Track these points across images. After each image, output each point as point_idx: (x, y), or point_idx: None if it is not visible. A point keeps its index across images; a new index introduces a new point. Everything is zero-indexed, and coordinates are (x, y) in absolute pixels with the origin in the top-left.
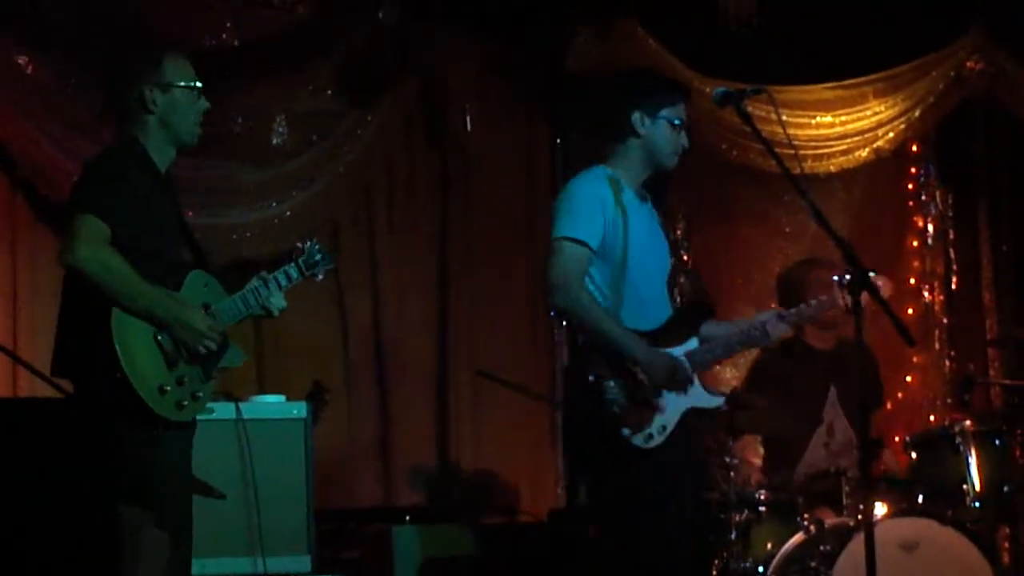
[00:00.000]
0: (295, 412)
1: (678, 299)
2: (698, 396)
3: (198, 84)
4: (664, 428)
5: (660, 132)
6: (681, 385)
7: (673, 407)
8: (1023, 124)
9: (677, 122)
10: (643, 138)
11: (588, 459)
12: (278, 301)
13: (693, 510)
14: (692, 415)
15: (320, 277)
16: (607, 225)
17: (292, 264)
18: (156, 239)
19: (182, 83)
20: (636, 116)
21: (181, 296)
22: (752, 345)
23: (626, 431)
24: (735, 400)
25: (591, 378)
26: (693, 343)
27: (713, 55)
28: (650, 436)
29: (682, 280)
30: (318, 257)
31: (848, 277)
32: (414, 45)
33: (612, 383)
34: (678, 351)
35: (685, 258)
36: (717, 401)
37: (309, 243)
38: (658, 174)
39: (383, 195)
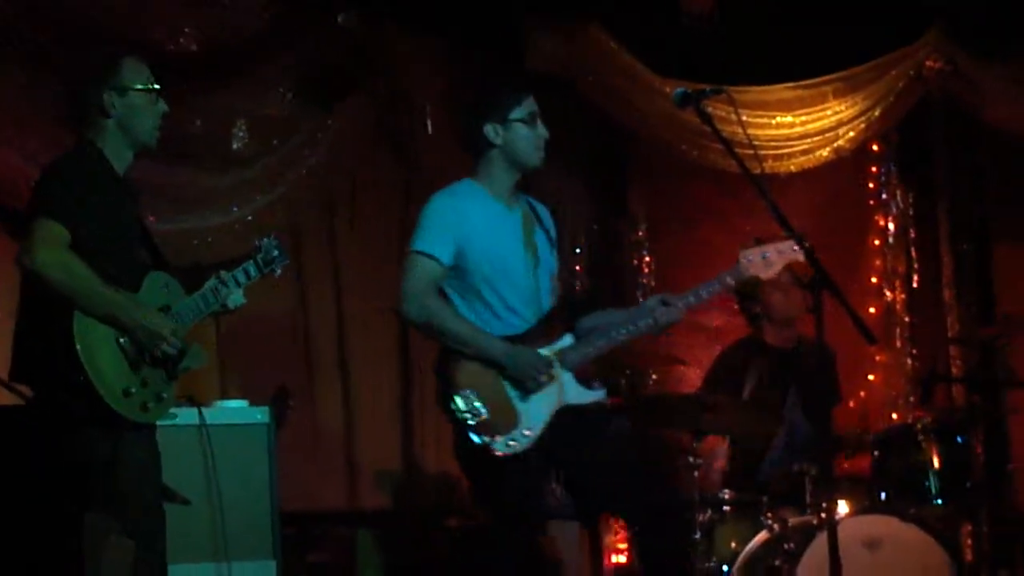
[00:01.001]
0: (258, 417)
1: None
2: (573, 392)
3: (156, 87)
4: (529, 432)
5: (516, 136)
6: (541, 383)
7: (539, 409)
8: (982, 123)
9: (529, 118)
10: (501, 147)
11: (464, 467)
12: (237, 298)
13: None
14: (570, 413)
15: (278, 272)
16: (463, 238)
17: (250, 261)
18: (115, 242)
19: (139, 86)
20: (488, 129)
21: (140, 298)
22: (642, 334)
23: (484, 439)
24: (700, 401)
25: (444, 391)
26: (567, 341)
27: (673, 55)
28: (512, 443)
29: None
30: (275, 253)
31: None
32: (374, 48)
33: (468, 393)
34: (548, 350)
35: (647, 259)
36: (595, 396)
37: (266, 240)
38: (527, 174)
39: (345, 199)
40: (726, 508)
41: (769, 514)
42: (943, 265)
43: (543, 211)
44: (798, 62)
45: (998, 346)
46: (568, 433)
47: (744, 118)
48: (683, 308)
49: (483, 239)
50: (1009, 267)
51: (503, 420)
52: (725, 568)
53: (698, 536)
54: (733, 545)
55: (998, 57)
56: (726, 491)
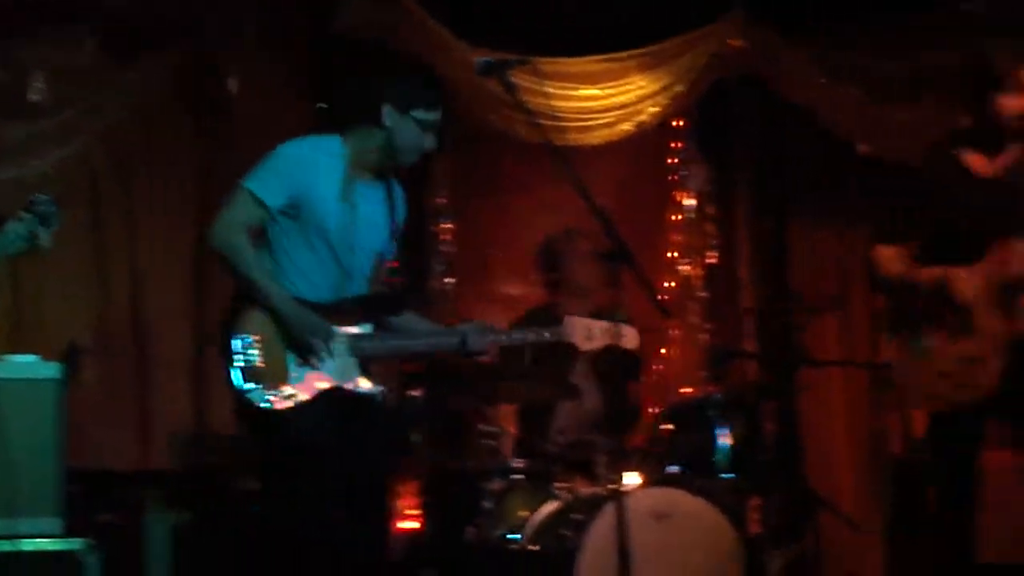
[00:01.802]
0: (48, 372)
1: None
2: (348, 378)
3: None
4: (290, 397)
5: (406, 129)
6: (316, 348)
7: (311, 378)
8: (783, 102)
9: (427, 125)
10: (388, 131)
11: (235, 411)
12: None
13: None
14: (341, 397)
15: (50, 230)
16: (301, 190)
17: (27, 215)
18: None
19: None
20: (387, 109)
21: None
22: (445, 351)
23: (246, 385)
24: (491, 369)
25: (225, 330)
26: (365, 328)
27: (480, 24)
28: (271, 398)
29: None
30: (51, 209)
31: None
32: (180, 5)
33: (247, 338)
34: (345, 330)
35: (449, 226)
36: (371, 389)
37: (39, 196)
38: (391, 166)
39: (144, 158)
40: (517, 477)
41: (559, 484)
42: (740, 242)
43: (399, 198)
44: (604, 35)
45: (791, 323)
46: (331, 414)
47: (549, 89)
48: (495, 343)
49: (323, 201)
50: (804, 246)
51: (271, 374)
52: (514, 537)
53: (488, 505)
54: (523, 514)
55: (798, 38)
56: (517, 460)
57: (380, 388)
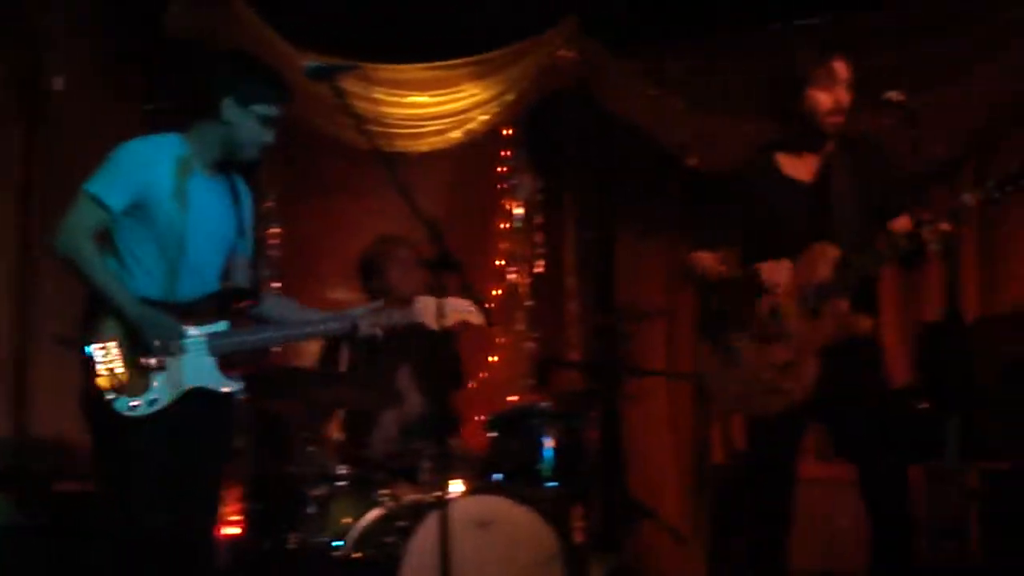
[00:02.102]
0: None
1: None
2: (209, 377)
3: None
4: (154, 402)
5: (247, 124)
6: (166, 350)
7: (171, 382)
8: (611, 114)
9: (267, 118)
10: (228, 125)
11: (85, 416)
12: None
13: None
14: (203, 397)
15: None
16: (144, 189)
17: None
18: None
19: None
20: (227, 102)
21: None
22: (330, 335)
23: (109, 394)
24: (312, 374)
25: (84, 337)
26: (220, 326)
27: (312, 30)
28: (135, 405)
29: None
30: None
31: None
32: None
33: (108, 344)
34: (201, 330)
35: (277, 230)
36: (231, 386)
37: None
38: (233, 161)
39: None
40: (341, 483)
41: (383, 491)
42: (567, 251)
43: (244, 192)
44: (436, 43)
45: (617, 333)
46: (189, 415)
47: (378, 95)
48: (388, 325)
49: (167, 199)
50: (631, 256)
51: (133, 382)
52: (337, 543)
53: (312, 510)
54: (346, 521)
55: (628, 50)
56: (342, 466)
57: (239, 385)
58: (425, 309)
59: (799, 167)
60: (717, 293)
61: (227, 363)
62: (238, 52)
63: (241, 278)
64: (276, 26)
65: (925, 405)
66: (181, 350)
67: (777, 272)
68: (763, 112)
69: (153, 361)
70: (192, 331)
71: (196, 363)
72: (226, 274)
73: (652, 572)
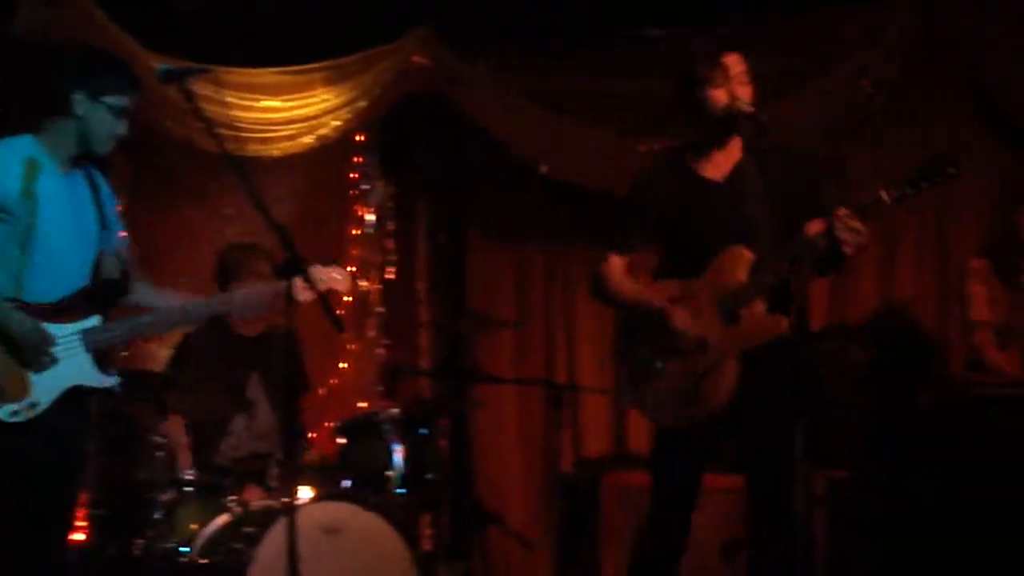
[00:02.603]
0: None
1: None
2: (88, 375)
3: None
4: (35, 405)
5: (98, 117)
6: (40, 359)
7: (49, 384)
8: (464, 120)
9: (119, 110)
10: (80, 120)
11: None
12: None
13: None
14: (81, 394)
15: None
16: (2, 192)
17: None
18: None
19: None
20: (77, 97)
21: None
22: (174, 326)
23: None
24: (161, 378)
25: None
26: (93, 321)
27: (164, 32)
28: (16, 411)
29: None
30: None
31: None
32: None
33: None
34: (73, 327)
35: (123, 234)
36: (109, 381)
37: None
38: (90, 155)
39: None
40: (189, 489)
41: (232, 497)
42: (419, 258)
43: (103, 185)
44: (288, 47)
45: (467, 340)
46: (67, 415)
47: (230, 99)
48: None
49: (26, 199)
50: (481, 264)
51: (13, 388)
52: (185, 550)
53: (158, 516)
54: (194, 527)
55: (481, 58)
56: (189, 472)
57: (117, 379)
58: (295, 284)
59: (709, 168)
60: (628, 312)
61: (102, 357)
62: (85, 47)
63: (111, 270)
64: (127, 28)
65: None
66: (51, 357)
67: (686, 322)
68: (618, 124)
69: (34, 376)
70: (65, 329)
71: (73, 361)
72: (96, 268)
73: None
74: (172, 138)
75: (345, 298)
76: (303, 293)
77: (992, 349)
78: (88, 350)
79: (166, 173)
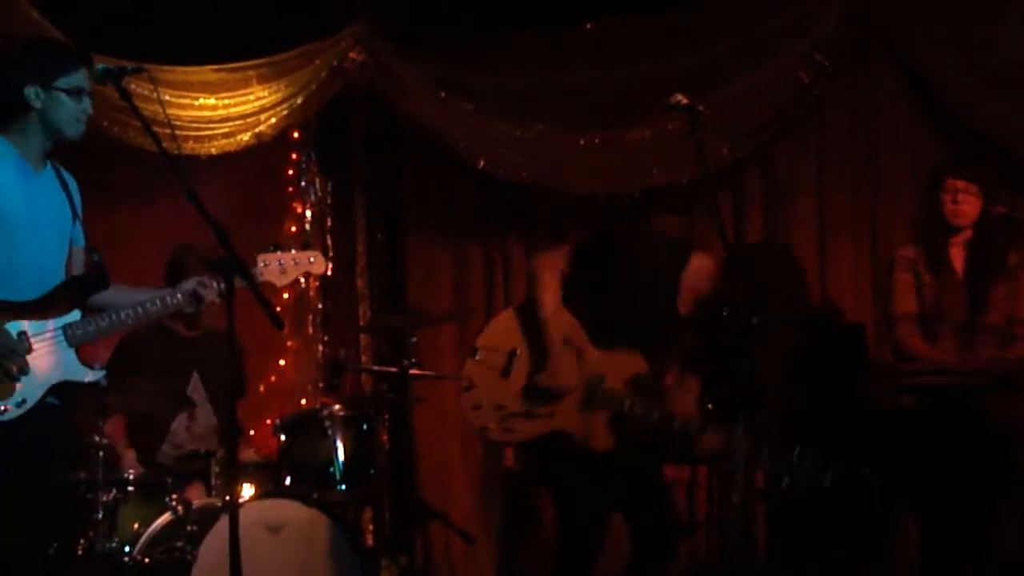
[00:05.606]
0: None
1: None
2: (71, 370)
3: None
4: (24, 402)
5: (58, 104)
6: (11, 363)
7: (37, 380)
8: (401, 116)
9: (75, 90)
10: (40, 112)
11: None
12: None
13: (50, 488)
14: (67, 389)
15: None
16: None
17: None
18: None
19: None
20: (30, 91)
21: None
22: (153, 316)
23: None
24: (110, 380)
25: None
26: (73, 316)
27: (98, 31)
28: (4, 410)
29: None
30: None
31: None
32: None
33: None
34: (54, 323)
35: None
36: (95, 376)
37: None
38: (63, 142)
39: None
40: (131, 488)
41: (173, 496)
42: (357, 255)
43: (71, 180)
44: (223, 45)
45: (407, 336)
46: (55, 411)
47: (166, 98)
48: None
49: (4, 200)
50: (420, 260)
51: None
52: (127, 549)
53: (100, 516)
54: (136, 526)
55: (418, 53)
56: (131, 471)
57: (103, 373)
58: (268, 269)
59: None
60: None
61: (83, 353)
62: (25, 40)
63: (78, 266)
64: (61, 27)
65: (710, 406)
66: (21, 367)
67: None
68: (550, 118)
69: (25, 373)
70: (48, 324)
71: (58, 357)
72: (68, 263)
73: (442, 574)
74: (108, 138)
75: (284, 295)
76: (280, 278)
77: (918, 341)
78: (71, 345)
79: (101, 172)
